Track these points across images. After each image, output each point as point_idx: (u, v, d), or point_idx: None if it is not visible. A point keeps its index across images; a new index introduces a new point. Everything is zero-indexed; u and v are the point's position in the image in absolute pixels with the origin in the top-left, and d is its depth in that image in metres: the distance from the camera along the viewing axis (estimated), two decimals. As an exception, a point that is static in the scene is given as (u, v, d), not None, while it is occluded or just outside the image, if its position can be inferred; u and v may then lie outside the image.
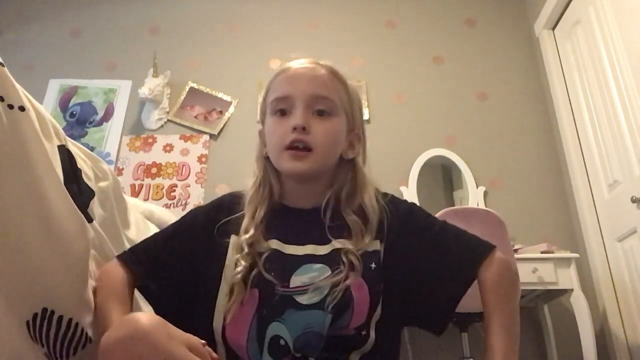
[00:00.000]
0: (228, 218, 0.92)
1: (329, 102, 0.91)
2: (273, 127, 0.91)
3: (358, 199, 0.91)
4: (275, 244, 0.88)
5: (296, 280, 0.83)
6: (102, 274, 0.86)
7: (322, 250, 0.86)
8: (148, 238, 0.96)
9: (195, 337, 0.67)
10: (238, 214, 0.92)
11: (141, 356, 0.60)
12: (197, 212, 0.99)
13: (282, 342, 0.79)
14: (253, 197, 0.93)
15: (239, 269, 0.83)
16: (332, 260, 0.84)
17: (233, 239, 0.89)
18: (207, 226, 0.92)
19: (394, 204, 0.94)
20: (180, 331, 0.65)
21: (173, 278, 0.89)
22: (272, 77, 0.96)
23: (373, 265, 0.85)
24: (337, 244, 0.86)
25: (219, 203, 0.97)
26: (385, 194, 0.96)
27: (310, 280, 0.82)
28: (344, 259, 0.83)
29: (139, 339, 0.60)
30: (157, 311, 0.87)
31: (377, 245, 0.88)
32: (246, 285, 0.82)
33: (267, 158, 0.95)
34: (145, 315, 0.65)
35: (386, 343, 0.85)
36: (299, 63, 0.95)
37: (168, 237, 0.94)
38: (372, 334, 0.82)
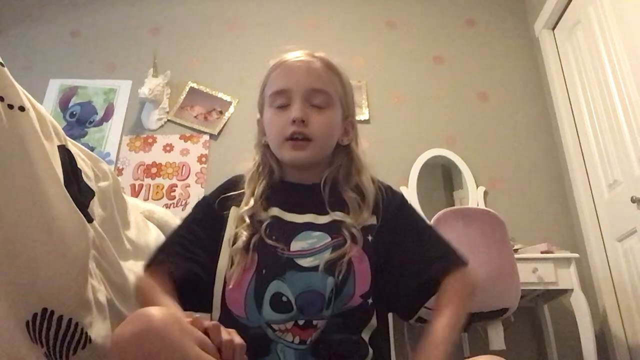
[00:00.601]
0: (229, 194, 0.96)
1: (325, 94, 0.95)
2: (272, 118, 0.96)
3: (355, 179, 0.96)
4: (275, 211, 0.92)
5: (296, 245, 0.87)
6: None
7: (322, 219, 0.90)
8: (170, 235, 0.98)
9: (205, 337, 0.66)
10: (238, 191, 0.96)
11: (154, 352, 0.59)
12: (205, 197, 1.02)
13: (284, 298, 0.82)
14: (253, 175, 0.98)
15: (241, 239, 0.87)
16: (331, 229, 0.88)
17: (233, 210, 0.94)
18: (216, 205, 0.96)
19: (390, 190, 1.00)
20: (192, 327, 0.64)
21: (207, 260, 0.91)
22: (268, 71, 1.01)
23: (370, 238, 0.89)
24: (335, 216, 0.90)
25: (223, 186, 1.01)
26: (380, 182, 1.00)
27: (310, 246, 0.86)
28: (345, 231, 0.87)
29: (152, 335, 0.60)
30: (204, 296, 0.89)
31: (373, 220, 0.92)
32: (247, 252, 0.86)
33: (266, 145, 1.00)
34: (159, 309, 0.64)
35: (381, 320, 0.88)
36: (294, 56, 1.00)
37: (188, 226, 0.97)
38: (373, 308, 0.86)
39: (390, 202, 0.96)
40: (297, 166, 0.96)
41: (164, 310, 0.64)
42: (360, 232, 0.88)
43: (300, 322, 0.81)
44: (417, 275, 0.89)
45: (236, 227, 0.90)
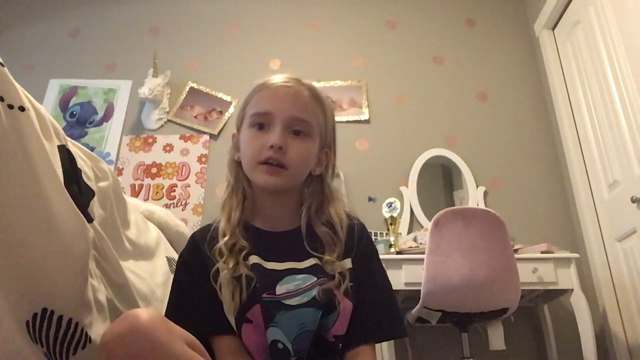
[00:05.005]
0: (206, 236, 0.94)
1: (307, 124, 0.94)
2: (249, 138, 0.94)
3: (326, 212, 0.96)
4: (255, 259, 0.90)
5: (281, 288, 0.86)
6: None
7: (303, 264, 0.91)
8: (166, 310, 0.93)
9: (193, 336, 0.68)
10: (212, 231, 0.94)
11: (142, 352, 0.60)
12: (182, 257, 0.98)
13: (279, 345, 0.82)
14: (227, 201, 0.97)
15: (224, 272, 0.86)
16: (315, 270, 0.89)
17: (216, 247, 0.92)
18: (195, 260, 0.93)
19: (364, 232, 0.99)
20: (180, 328, 0.65)
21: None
22: (253, 89, 0.99)
23: (350, 284, 0.89)
24: (314, 260, 0.90)
25: (193, 242, 0.97)
26: (355, 218, 1.01)
27: (296, 287, 0.86)
28: (329, 268, 0.89)
29: (140, 335, 0.60)
30: None
31: (349, 264, 0.93)
32: (240, 283, 0.85)
33: (238, 163, 0.98)
34: (146, 311, 0.65)
35: None
36: (281, 80, 0.97)
37: (179, 289, 0.94)
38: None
39: (364, 248, 0.97)
40: (267, 191, 0.95)
41: (150, 311, 0.65)
42: (344, 273, 0.89)
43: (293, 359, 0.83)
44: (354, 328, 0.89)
45: (219, 259, 0.89)
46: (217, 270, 0.88)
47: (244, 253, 0.90)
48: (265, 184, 0.92)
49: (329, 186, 0.99)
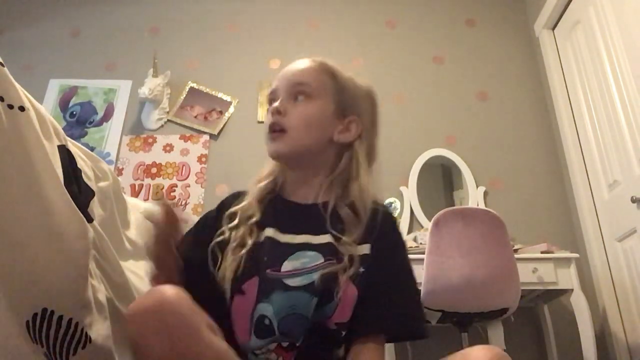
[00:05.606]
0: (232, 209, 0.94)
1: (307, 86, 0.94)
2: (265, 116, 0.97)
3: (351, 191, 0.92)
4: (270, 232, 0.89)
5: (288, 265, 0.84)
6: None
7: (318, 239, 0.88)
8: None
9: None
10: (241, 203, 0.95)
11: (170, 326, 0.61)
12: (206, 213, 1.02)
13: (266, 321, 0.80)
14: (256, 181, 0.98)
15: (232, 240, 0.87)
16: (326, 250, 0.86)
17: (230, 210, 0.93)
18: (210, 221, 0.96)
19: (388, 219, 0.94)
20: (199, 308, 0.66)
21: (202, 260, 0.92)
22: None
23: (362, 269, 0.85)
24: (330, 238, 0.87)
25: (221, 202, 1.00)
26: (381, 205, 0.95)
27: (302, 265, 0.84)
28: (343, 250, 0.85)
29: (168, 310, 0.62)
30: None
31: (367, 249, 0.88)
32: (246, 253, 0.85)
33: None
34: (171, 288, 0.66)
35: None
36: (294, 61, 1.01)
37: (190, 236, 0.97)
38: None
39: (387, 236, 0.91)
40: (280, 161, 0.96)
41: (175, 288, 0.66)
42: (356, 258, 0.84)
43: (284, 344, 0.80)
44: (367, 318, 0.84)
45: (229, 224, 0.90)
46: (223, 235, 0.89)
47: (256, 222, 0.89)
48: (271, 152, 0.93)
49: (357, 160, 0.94)
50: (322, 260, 0.84)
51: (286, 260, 0.85)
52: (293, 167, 0.96)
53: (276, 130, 0.91)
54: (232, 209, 0.92)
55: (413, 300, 0.90)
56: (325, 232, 0.88)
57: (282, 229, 0.89)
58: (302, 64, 0.98)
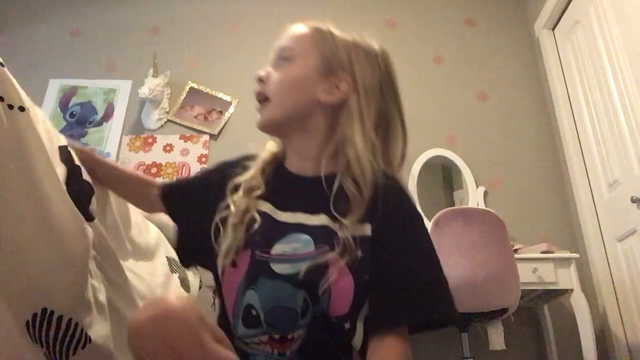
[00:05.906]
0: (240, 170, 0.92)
1: (290, 50, 0.92)
2: None
3: (348, 159, 0.83)
4: (266, 207, 0.84)
5: (278, 248, 0.79)
6: None
7: (313, 220, 0.81)
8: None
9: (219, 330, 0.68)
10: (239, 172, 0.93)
11: (175, 337, 0.58)
12: (224, 161, 1.00)
13: (253, 312, 0.77)
14: (263, 153, 0.95)
15: (232, 213, 0.84)
16: (319, 235, 0.78)
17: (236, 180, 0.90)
18: (230, 171, 0.93)
19: (397, 192, 0.83)
20: (206, 318, 0.64)
21: (197, 203, 0.93)
22: None
23: (360, 254, 0.76)
24: (326, 219, 0.79)
25: (245, 155, 0.98)
26: (388, 176, 0.84)
27: (292, 251, 0.78)
28: (340, 234, 0.76)
29: (172, 320, 0.59)
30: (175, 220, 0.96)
31: (367, 230, 0.79)
32: (244, 225, 0.82)
33: None
34: (177, 297, 0.64)
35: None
36: None
37: (198, 175, 1.02)
38: (361, 330, 0.78)
39: (392, 211, 0.80)
40: (266, 132, 0.92)
41: (181, 298, 0.64)
42: (351, 243, 0.75)
43: (276, 336, 0.76)
44: (383, 309, 0.77)
45: (231, 195, 0.86)
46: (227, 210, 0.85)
47: (259, 195, 0.85)
48: (258, 124, 0.90)
49: (351, 122, 0.84)
50: (312, 248, 0.77)
51: (277, 243, 0.79)
52: (283, 137, 0.92)
53: (261, 100, 0.89)
54: (236, 180, 0.88)
55: (432, 282, 0.79)
56: (321, 212, 0.80)
57: (280, 205, 0.84)
58: (293, 29, 0.96)
